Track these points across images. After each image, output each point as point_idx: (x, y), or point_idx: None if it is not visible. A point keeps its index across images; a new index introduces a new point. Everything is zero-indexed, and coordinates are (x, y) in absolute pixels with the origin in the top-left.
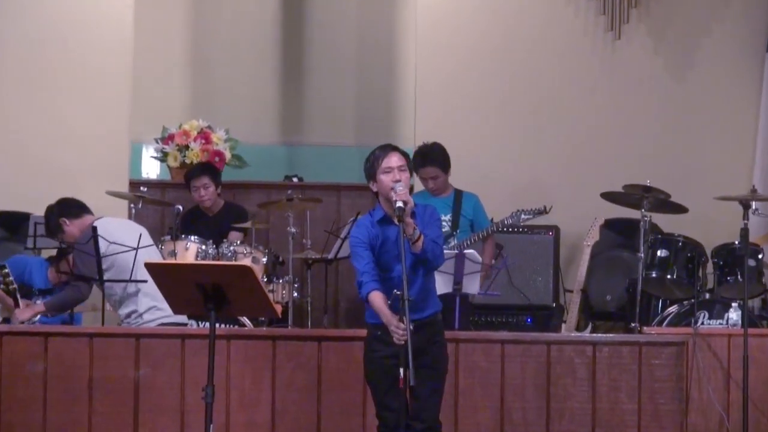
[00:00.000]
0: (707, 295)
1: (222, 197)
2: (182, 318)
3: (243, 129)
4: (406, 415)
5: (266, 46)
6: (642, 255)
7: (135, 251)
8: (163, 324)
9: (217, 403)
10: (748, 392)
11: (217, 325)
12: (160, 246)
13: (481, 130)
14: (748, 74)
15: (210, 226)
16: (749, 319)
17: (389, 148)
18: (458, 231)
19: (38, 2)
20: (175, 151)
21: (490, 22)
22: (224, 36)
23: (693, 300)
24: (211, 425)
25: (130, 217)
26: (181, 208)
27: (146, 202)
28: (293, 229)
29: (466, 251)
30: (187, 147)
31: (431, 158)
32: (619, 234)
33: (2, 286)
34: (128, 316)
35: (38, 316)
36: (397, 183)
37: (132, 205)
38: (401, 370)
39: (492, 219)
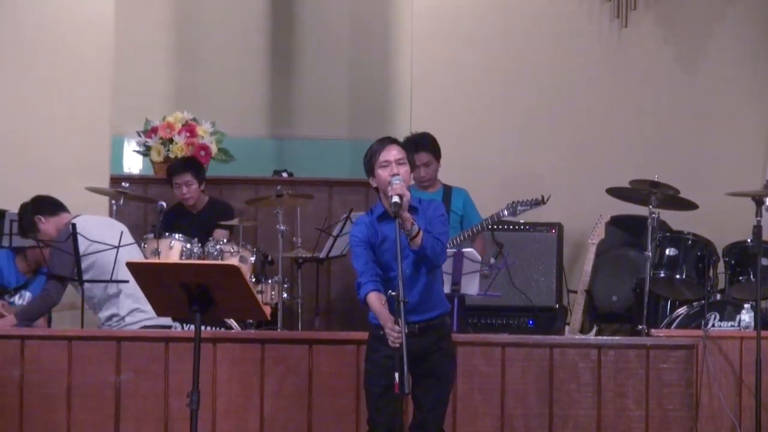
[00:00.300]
0: (718, 296)
1: (206, 193)
2: (166, 320)
3: (230, 121)
4: (399, 423)
5: (255, 34)
6: (650, 254)
7: (116, 250)
8: (145, 327)
9: (202, 410)
10: (761, 398)
11: (203, 327)
12: (142, 245)
13: (481, 122)
14: (762, 63)
15: (194, 223)
16: (762, 321)
17: (387, 141)
18: (449, 227)
19: None
20: (159, 145)
21: (489, 9)
22: (210, 23)
23: (703, 301)
24: None
25: (111, 215)
26: (164, 204)
27: (128, 198)
28: (283, 227)
29: (464, 249)
30: (171, 140)
31: (424, 144)
32: (625, 231)
33: None
34: (109, 319)
35: None
36: (395, 177)
37: (113, 202)
38: (396, 375)
39: (492, 215)
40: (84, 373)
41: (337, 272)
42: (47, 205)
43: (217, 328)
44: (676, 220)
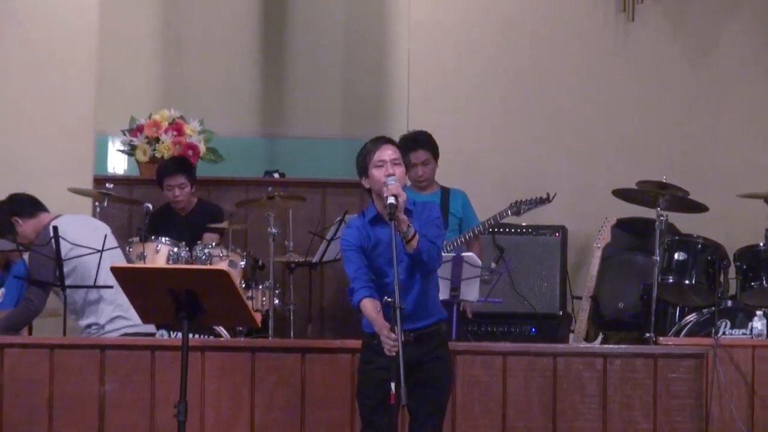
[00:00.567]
0: (729, 303)
1: (195, 195)
2: (149, 328)
3: (219, 120)
4: None
5: (245, 28)
6: (657, 258)
7: (99, 254)
8: (126, 335)
9: (190, 421)
10: None
11: (191, 335)
12: (127, 248)
13: (481, 121)
14: None
15: (182, 226)
16: None
17: (382, 141)
18: (447, 230)
19: None
20: (145, 144)
21: (491, 2)
22: (198, 17)
23: (714, 308)
24: None
25: (94, 217)
26: (150, 206)
27: (112, 200)
28: (274, 230)
29: (464, 254)
30: (157, 139)
31: (421, 141)
32: (632, 235)
33: None
34: (88, 327)
35: None
36: (390, 177)
37: (97, 204)
38: (392, 385)
39: (494, 215)
40: (66, 383)
41: (330, 277)
42: (25, 206)
43: (206, 336)
44: (685, 222)
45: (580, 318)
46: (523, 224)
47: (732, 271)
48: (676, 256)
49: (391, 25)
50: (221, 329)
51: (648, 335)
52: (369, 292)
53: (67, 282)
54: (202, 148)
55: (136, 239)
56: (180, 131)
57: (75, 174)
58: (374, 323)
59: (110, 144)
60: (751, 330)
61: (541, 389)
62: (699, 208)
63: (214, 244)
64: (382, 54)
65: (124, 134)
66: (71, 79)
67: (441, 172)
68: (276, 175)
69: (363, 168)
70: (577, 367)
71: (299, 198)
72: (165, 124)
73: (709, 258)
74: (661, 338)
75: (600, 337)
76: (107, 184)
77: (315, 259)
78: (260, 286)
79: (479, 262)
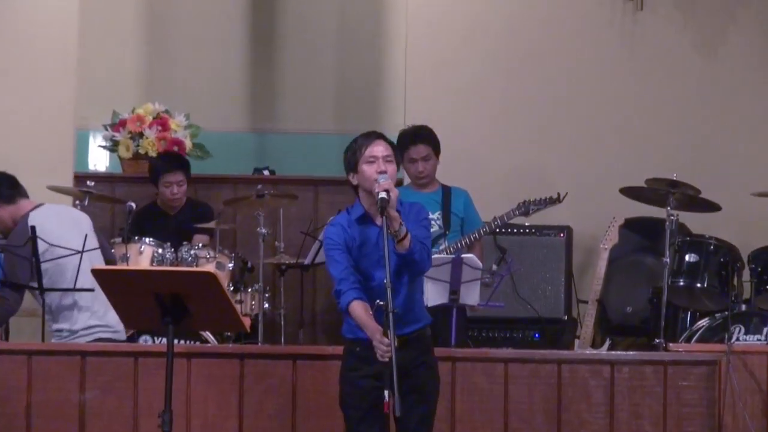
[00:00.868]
0: (743, 307)
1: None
2: (121, 335)
3: (206, 114)
4: None
5: (233, 18)
6: (668, 260)
7: (80, 256)
8: (100, 339)
9: (175, 431)
10: None
11: (176, 341)
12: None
13: (481, 116)
14: None
15: (170, 226)
16: None
17: (374, 136)
18: (449, 231)
19: None
20: (128, 140)
21: None
22: (184, 7)
23: (727, 312)
24: None
25: None
26: (134, 205)
27: (94, 198)
28: (264, 230)
29: (464, 255)
30: (141, 135)
31: (422, 136)
32: (641, 236)
33: None
34: (59, 331)
35: None
36: (381, 174)
37: (77, 202)
38: (386, 393)
39: (494, 218)
40: (45, 391)
41: (323, 280)
42: (4, 189)
43: (192, 342)
44: (696, 222)
45: (586, 323)
46: (526, 224)
47: (746, 274)
48: (687, 257)
49: (388, 13)
50: (208, 335)
51: (657, 341)
52: (358, 294)
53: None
54: (188, 143)
55: (119, 240)
56: (165, 126)
57: (54, 171)
58: (365, 327)
59: (91, 139)
60: (766, 336)
61: (545, 398)
62: (711, 207)
63: (201, 245)
64: (378, 44)
65: (106, 129)
66: (50, 70)
67: (440, 169)
68: (266, 172)
69: (352, 163)
70: (583, 374)
71: (290, 196)
72: (149, 119)
73: (721, 260)
74: (671, 344)
75: (607, 343)
76: (88, 182)
77: (307, 261)
78: (249, 289)
79: (480, 264)
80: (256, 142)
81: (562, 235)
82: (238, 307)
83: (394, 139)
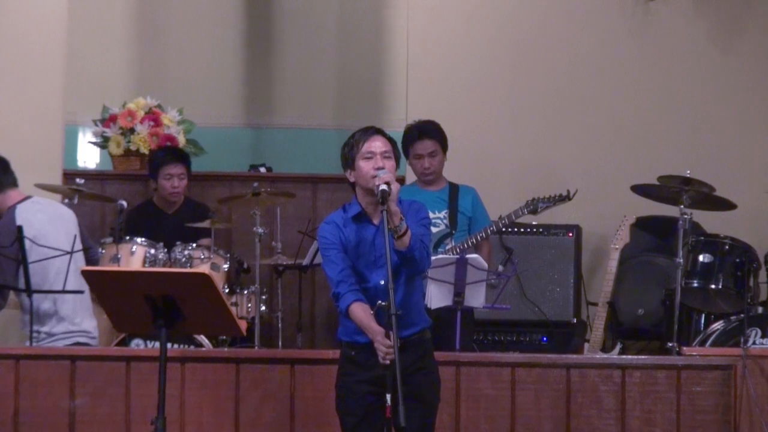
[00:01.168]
0: (760, 309)
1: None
2: (96, 341)
3: (200, 109)
4: None
5: (228, 9)
6: (681, 260)
7: (65, 256)
8: (78, 343)
9: None
10: None
11: (170, 345)
12: (100, 250)
13: (486, 112)
14: None
15: (167, 226)
16: None
17: (372, 131)
18: (456, 230)
19: None
20: (118, 136)
21: None
22: None
23: (742, 315)
24: None
25: None
26: (125, 204)
27: (83, 196)
28: (260, 230)
29: (468, 256)
30: (132, 130)
31: (429, 131)
32: (653, 235)
33: None
34: (36, 332)
35: None
36: (380, 170)
37: (66, 200)
38: (387, 397)
39: (500, 216)
40: (33, 397)
41: (322, 282)
42: None
43: (186, 346)
44: (711, 221)
45: (595, 326)
46: (534, 223)
47: (762, 275)
48: (701, 258)
49: (389, 4)
50: (203, 338)
51: (670, 345)
52: (357, 295)
53: (18, 284)
54: (181, 139)
55: (110, 240)
56: (157, 121)
57: (42, 168)
58: (367, 329)
59: (81, 135)
60: None
61: (554, 404)
62: (726, 205)
63: (195, 245)
64: (378, 35)
65: (96, 125)
66: (38, 63)
67: (444, 166)
68: (262, 170)
69: (349, 159)
70: (593, 379)
71: (288, 194)
72: (140, 114)
73: (737, 260)
74: (684, 348)
75: (618, 347)
76: (77, 180)
77: (305, 262)
78: (245, 291)
79: (485, 265)
80: (252, 138)
81: (571, 234)
82: (233, 309)
83: (396, 135)
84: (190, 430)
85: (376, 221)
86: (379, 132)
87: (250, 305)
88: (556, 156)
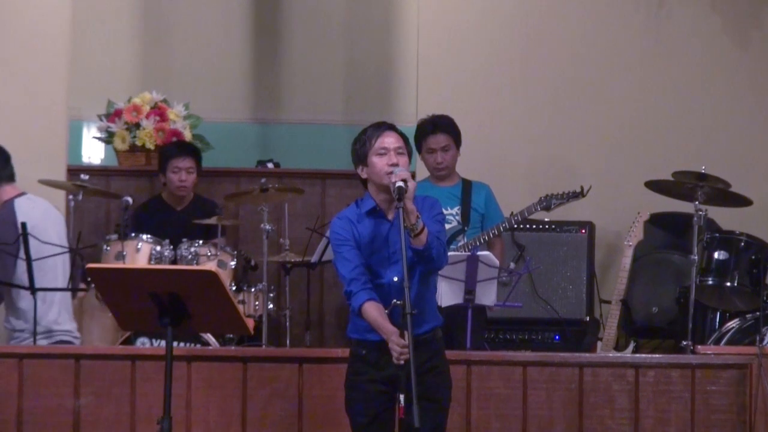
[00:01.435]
0: None
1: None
2: (78, 342)
3: (206, 103)
4: None
5: (235, 4)
6: (695, 258)
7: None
8: (62, 341)
9: None
10: None
11: (176, 343)
12: (104, 247)
13: (497, 106)
14: None
15: (175, 222)
16: None
17: (385, 127)
18: (469, 227)
19: None
20: (123, 131)
21: None
22: None
23: (758, 313)
24: None
25: (68, 211)
26: (130, 200)
27: (88, 193)
28: (268, 226)
29: (479, 253)
30: (137, 125)
31: (442, 125)
32: (667, 232)
33: None
34: (20, 331)
35: None
36: (395, 167)
37: (71, 197)
38: (401, 398)
39: (512, 213)
40: (37, 397)
41: (330, 279)
42: None
43: (192, 345)
44: (726, 218)
45: (609, 324)
46: (546, 220)
47: None
48: (716, 255)
49: (399, 2)
50: (209, 337)
51: (685, 343)
52: (370, 294)
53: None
54: (187, 134)
55: (114, 237)
56: (163, 116)
57: (46, 164)
58: (380, 329)
59: (85, 130)
60: None
61: (566, 403)
62: (742, 201)
63: (201, 242)
64: (388, 29)
65: (101, 120)
66: (42, 58)
67: (458, 161)
68: (270, 165)
69: (362, 156)
70: (606, 378)
71: (296, 190)
72: (146, 109)
73: (753, 257)
74: (699, 347)
75: (631, 346)
76: (82, 176)
77: (313, 259)
78: (252, 289)
79: (497, 262)
80: (259, 133)
81: (584, 231)
82: (240, 307)
83: (405, 130)
84: (197, 430)
85: (390, 217)
86: (391, 128)
87: (257, 303)
88: (569, 151)
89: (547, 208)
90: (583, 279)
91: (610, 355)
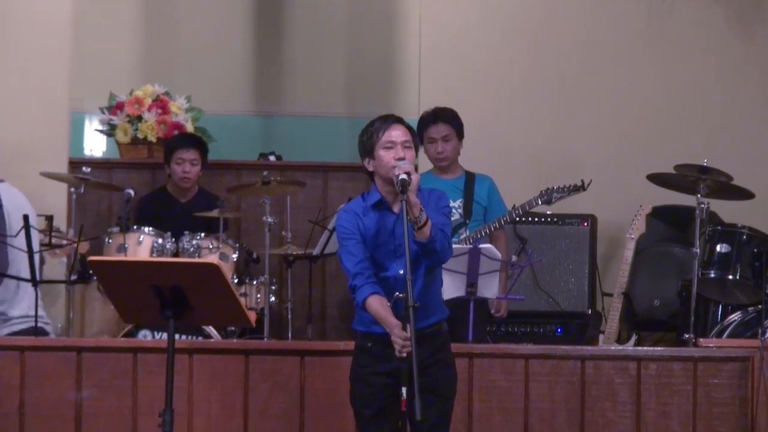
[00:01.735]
0: None
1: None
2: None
3: (208, 96)
4: None
5: None
6: (698, 250)
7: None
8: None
9: (176, 431)
10: None
11: (177, 336)
12: (106, 239)
13: (500, 99)
14: None
15: (179, 215)
16: None
17: (392, 120)
18: (471, 220)
19: None
20: (126, 124)
21: None
22: None
23: (760, 305)
24: None
25: (70, 204)
26: (132, 192)
27: (90, 185)
28: (270, 219)
29: (481, 245)
30: (139, 118)
31: (443, 115)
32: (669, 225)
33: None
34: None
35: None
36: (401, 161)
37: (73, 190)
38: (403, 391)
39: (514, 206)
40: (39, 389)
41: (332, 272)
42: None
43: (194, 337)
44: (728, 211)
45: (611, 317)
46: (548, 213)
47: None
48: (718, 248)
49: None
50: (211, 329)
51: (687, 336)
52: (374, 288)
53: None
54: (189, 127)
55: (116, 229)
56: (165, 109)
57: (48, 156)
58: (384, 322)
59: (87, 123)
60: None
61: (568, 396)
62: (744, 194)
63: (203, 235)
64: (391, 21)
65: (103, 112)
66: (44, 50)
67: (461, 154)
68: (272, 158)
69: (369, 148)
70: (608, 371)
71: (298, 183)
72: (148, 101)
73: (755, 250)
74: (701, 339)
75: (633, 339)
76: (84, 168)
77: (315, 252)
78: (254, 282)
79: (498, 255)
80: (261, 126)
81: (585, 224)
82: (242, 300)
83: (410, 123)
84: (199, 423)
85: (396, 209)
86: (399, 121)
87: (259, 296)
88: (572, 144)
89: (548, 202)
90: (585, 272)
91: (612, 348)
